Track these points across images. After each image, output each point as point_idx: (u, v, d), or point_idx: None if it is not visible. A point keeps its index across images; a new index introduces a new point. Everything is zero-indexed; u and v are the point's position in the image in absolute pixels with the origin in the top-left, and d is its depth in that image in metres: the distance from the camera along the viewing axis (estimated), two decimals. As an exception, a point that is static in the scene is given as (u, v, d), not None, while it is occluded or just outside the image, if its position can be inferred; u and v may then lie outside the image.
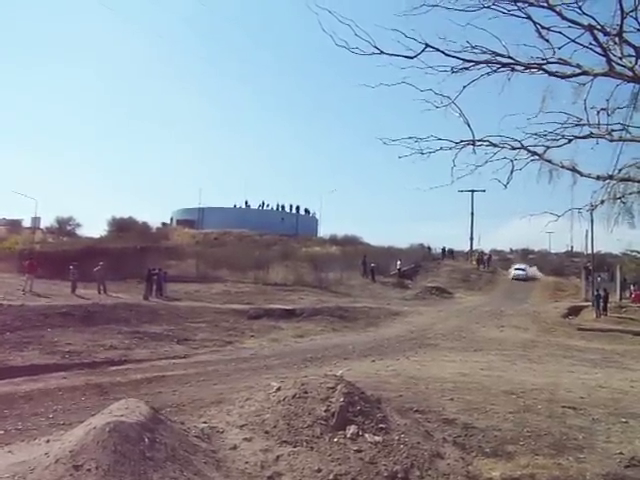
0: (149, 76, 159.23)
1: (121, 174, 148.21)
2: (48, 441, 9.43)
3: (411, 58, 9.20)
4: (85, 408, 13.69)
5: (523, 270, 66.77)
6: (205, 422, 10.62)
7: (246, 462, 9.30)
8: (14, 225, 67.03)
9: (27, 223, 67.25)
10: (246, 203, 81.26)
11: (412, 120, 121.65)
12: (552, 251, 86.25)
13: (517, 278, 64.42)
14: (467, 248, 77.35)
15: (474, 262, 70.00)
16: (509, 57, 9.47)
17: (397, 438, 10.29)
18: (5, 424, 12.65)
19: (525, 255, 78.16)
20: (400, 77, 9.51)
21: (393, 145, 10.03)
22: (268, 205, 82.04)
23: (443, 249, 76.27)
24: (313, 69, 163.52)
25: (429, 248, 76.38)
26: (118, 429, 7.99)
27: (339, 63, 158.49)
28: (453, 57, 9.38)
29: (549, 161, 10.33)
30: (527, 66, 9.61)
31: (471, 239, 76.96)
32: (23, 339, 20.89)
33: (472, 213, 75.98)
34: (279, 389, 11.32)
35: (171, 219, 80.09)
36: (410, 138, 9.98)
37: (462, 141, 10.08)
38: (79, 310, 25.85)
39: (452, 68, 9.44)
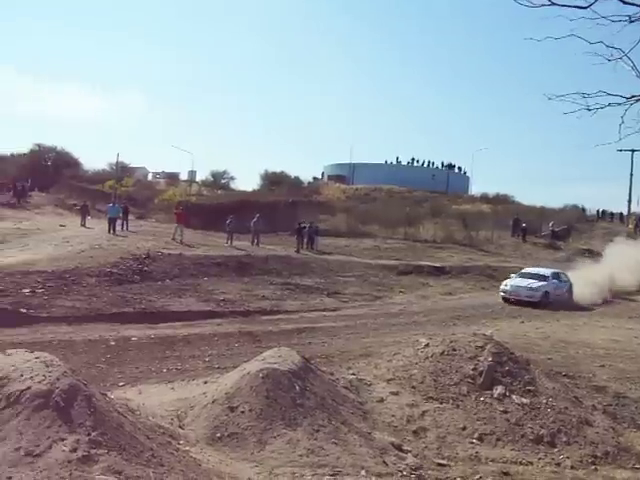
0: (303, 32, 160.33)
1: (274, 129, 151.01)
2: (205, 382, 9.94)
3: (584, 8, 8.64)
4: (238, 354, 14.24)
5: (536, 281, 27.63)
6: (353, 374, 10.80)
7: (392, 415, 9.42)
8: (172, 178, 69.79)
9: (184, 176, 70.23)
10: (397, 159, 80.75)
11: (572, 75, 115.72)
12: None
13: (513, 299, 26.98)
14: (624, 211, 73.36)
15: (631, 226, 66.20)
16: (694, 2, 8.69)
17: (545, 401, 10.09)
18: (167, 364, 13.45)
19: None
20: (568, 29, 8.99)
21: (557, 101, 9.53)
22: (419, 161, 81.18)
23: (598, 211, 72.68)
24: (468, 23, 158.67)
25: (583, 209, 72.98)
26: (271, 375, 8.30)
27: (493, 16, 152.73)
28: (631, 4, 8.72)
29: None
30: None
31: (629, 201, 72.81)
32: (181, 286, 21.96)
33: (631, 174, 71.71)
34: (427, 345, 11.33)
35: (322, 174, 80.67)
36: (576, 93, 9.44)
37: (633, 96, 9.44)
38: (233, 261, 26.79)
39: (630, 17, 8.77)
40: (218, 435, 7.65)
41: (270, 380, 8.23)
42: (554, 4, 8.54)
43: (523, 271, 29.54)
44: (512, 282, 27.75)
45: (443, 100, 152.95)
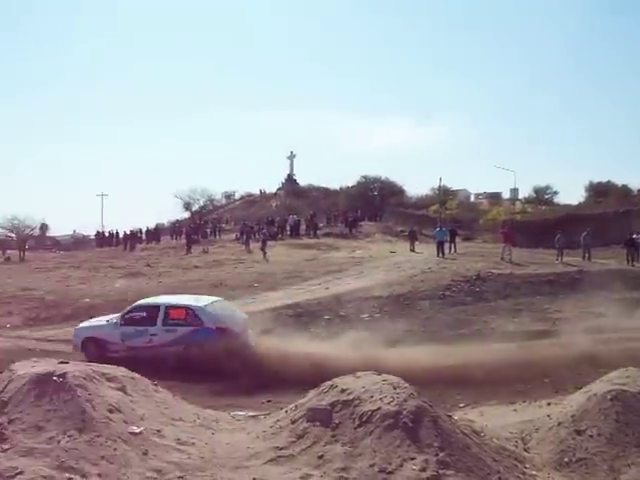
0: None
1: (597, 137, 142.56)
2: (549, 404, 9.64)
3: None
4: (579, 375, 13.58)
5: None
6: None
7: None
8: (494, 197, 69.58)
9: (506, 195, 69.94)
10: None
11: None
12: None
13: None
14: None
15: None
16: None
17: None
18: (506, 384, 13.23)
19: None
20: None
21: None
22: None
23: None
24: None
25: None
26: (620, 397, 7.85)
27: None
28: None
29: None
30: None
31: None
32: (515, 306, 21.66)
33: None
34: None
35: (655, 179, 75.19)
36: None
37: None
38: (565, 277, 25.85)
39: None
40: (566, 460, 7.41)
41: (619, 402, 7.78)
42: None
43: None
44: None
45: None
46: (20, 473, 6.11)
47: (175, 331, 16.29)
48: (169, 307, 16.84)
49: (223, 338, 15.57)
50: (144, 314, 16.83)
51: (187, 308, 16.74)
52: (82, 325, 17.86)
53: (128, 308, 17.38)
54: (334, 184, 74.12)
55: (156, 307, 16.89)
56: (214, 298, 18.24)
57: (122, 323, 16.79)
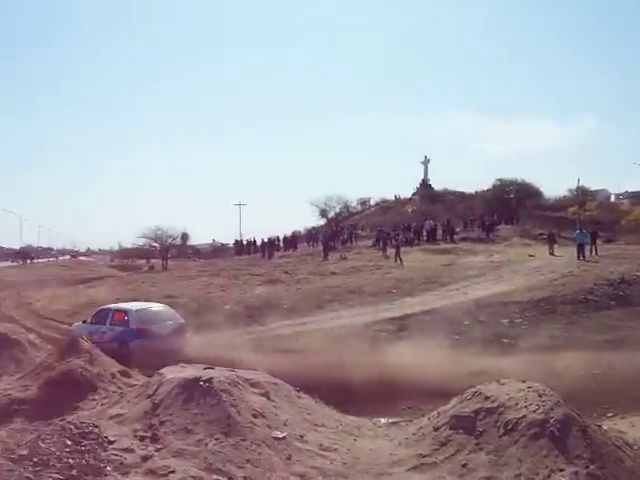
0: None
1: None
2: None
3: None
4: None
5: None
6: None
7: None
8: (637, 197, 66.87)
9: (650, 192, 67.03)
10: None
11: None
12: None
13: None
14: None
15: None
16: None
17: None
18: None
19: None
20: None
21: None
22: None
23: None
24: None
25: None
26: None
27: None
28: None
29: None
30: None
31: None
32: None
33: None
34: None
35: None
36: None
37: None
38: None
39: None
40: None
41: None
42: None
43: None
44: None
45: None
46: (172, 472, 6.44)
47: (114, 330, 19.00)
48: (115, 310, 19.90)
49: (142, 337, 18.10)
50: (102, 315, 19.87)
51: (124, 311, 19.61)
52: (73, 325, 21.51)
53: (96, 310, 20.78)
54: (469, 188, 73.23)
55: (108, 310, 20.09)
56: (156, 305, 21.12)
57: (91, 322, 19.87)
